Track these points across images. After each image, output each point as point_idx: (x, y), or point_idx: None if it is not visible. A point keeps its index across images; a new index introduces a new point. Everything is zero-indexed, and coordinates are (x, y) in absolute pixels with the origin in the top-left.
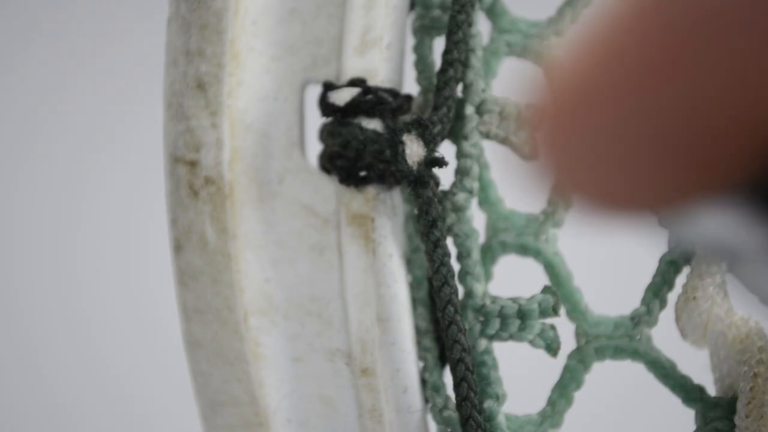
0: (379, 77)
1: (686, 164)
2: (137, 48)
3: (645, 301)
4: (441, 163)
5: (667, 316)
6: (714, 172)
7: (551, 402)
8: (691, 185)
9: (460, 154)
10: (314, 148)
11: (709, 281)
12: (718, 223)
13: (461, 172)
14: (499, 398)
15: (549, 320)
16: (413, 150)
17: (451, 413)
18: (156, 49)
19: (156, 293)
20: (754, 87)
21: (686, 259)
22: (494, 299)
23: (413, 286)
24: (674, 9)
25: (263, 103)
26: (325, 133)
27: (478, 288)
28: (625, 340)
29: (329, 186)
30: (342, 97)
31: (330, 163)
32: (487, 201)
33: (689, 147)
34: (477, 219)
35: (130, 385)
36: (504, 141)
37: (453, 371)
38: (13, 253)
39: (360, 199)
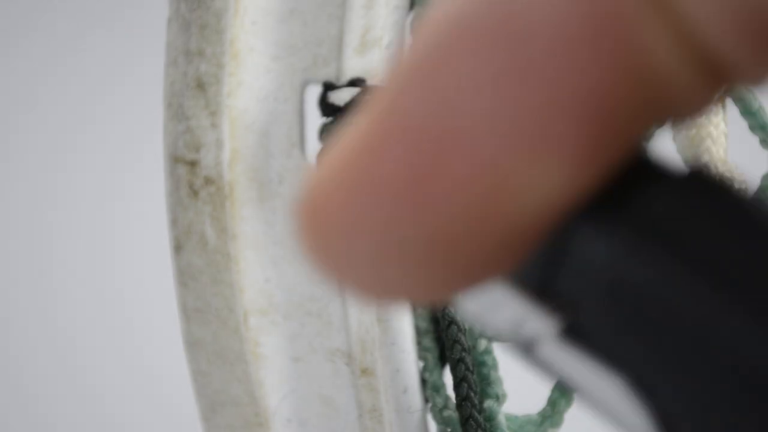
0: (379, 77)
1: (443, 263)
2: (137, 48)
3: None
4: None
5: None
6: (473, 269)
7: (551, 402)
8: (453, 279)
9: None
10: (314, 148)
11: None
12: (483, 301)
13: None
14: (499, 398)
15: None
16: None
17: (451, 413)
18: (156, 49)
19: (156, 293)
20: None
21: None
22: None
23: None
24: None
25: (263, 103)
26: (325, 133)
27: None
28: None
29: None
30: (342, 97)
31: None
32: None
33: (440, 250)
34: None
35: (130, 385)
36: None
37: (453, 371)
38: (12, 254)
39: None
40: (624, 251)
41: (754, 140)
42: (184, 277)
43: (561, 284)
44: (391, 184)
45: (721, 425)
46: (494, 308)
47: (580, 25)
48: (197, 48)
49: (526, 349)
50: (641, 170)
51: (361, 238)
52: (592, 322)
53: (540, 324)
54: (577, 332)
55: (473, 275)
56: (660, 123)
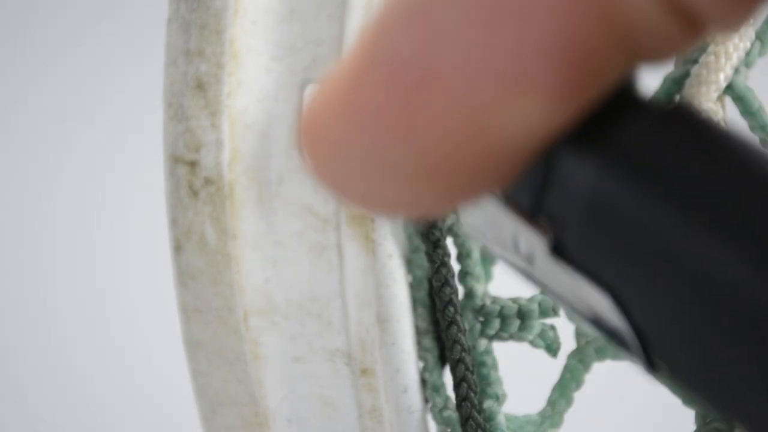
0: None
1: (436, 182)
2: (137, 48)
3: None
4: None
5: None
6: (460, 187)
7: (551, 402)
8: (442, 194)
9: None
10: None
11: None
12: (483, 217)
13: None
14: (498, 398)
15: (549, 320)
16: None
17: (451, 413)
18: (156, 49)
19: (156, 293)
20: (476, 123)
21: None
22: (494, 299)
23: (413, 287)
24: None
25: (263, 104)
26: None
27: (478, 288)
28: None
29: None
30: None
31: None
32: None
33: (427, 168)
34: None
35: (130, 385)
36: None
37: (453, 371)
38: (11, 254)
39: None
40: (603, 176)
41: None
42: (184, 277)
43: (548, 205)
44: (378, 110)
45: (687, 338)
46: (494, 225)
47: None
48: (197, 48)
49: (527, 264)
50: (625, 103)
51: (355, 156)
52: (576, 241)
53: (533, 240)
54: (565, 249)
55: (461, 192)
56: (636, 63)
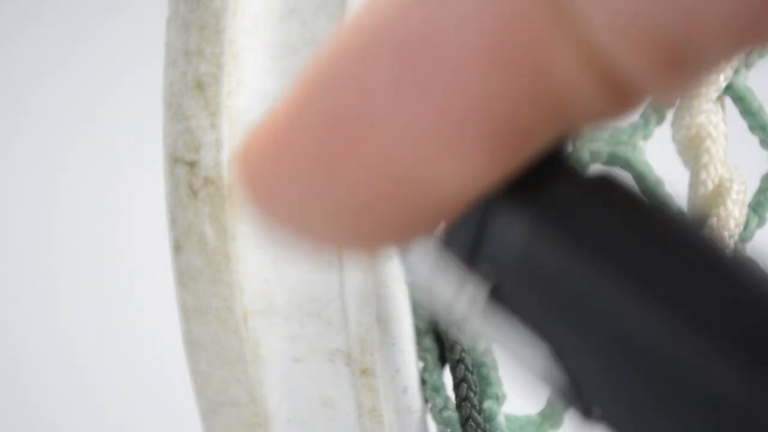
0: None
1: (374, 224)
2: (137, 48)
3: None
4: None
5: None
6: (392, 235)
7: (551, 402)
8: (377, 241)
9: None
10: None
11: None
12: (424, 261)
13: None
14: (499, 398)
15: None
16: None
17: (451, 413)
18: (155, 50)
19: (155, 293)
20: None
21: None
22: None
23: (413, 287)
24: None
25: (263, 104)
26: None
27: None
28: None
29: None
30: None
31: None
32: None
33: (356, 212)
34: None
35: (130, 385)
36: None
37: (453, 371)
38: (11, 254)
39: None
40: (531, 236)
41: (754, 140)
42: (184, 277)
43: (484, 255)
44: (308, 155)
45: (616, 389)
46: (435, 268)
47: (485, 40)
48: (196, 48)
49: (468, 309)
50: (555, 167)
51: (287, 197)
52: (511, 290)
53: (472, 286)
54: (502, 297)
55: (392, 237)
56: (567, 130)
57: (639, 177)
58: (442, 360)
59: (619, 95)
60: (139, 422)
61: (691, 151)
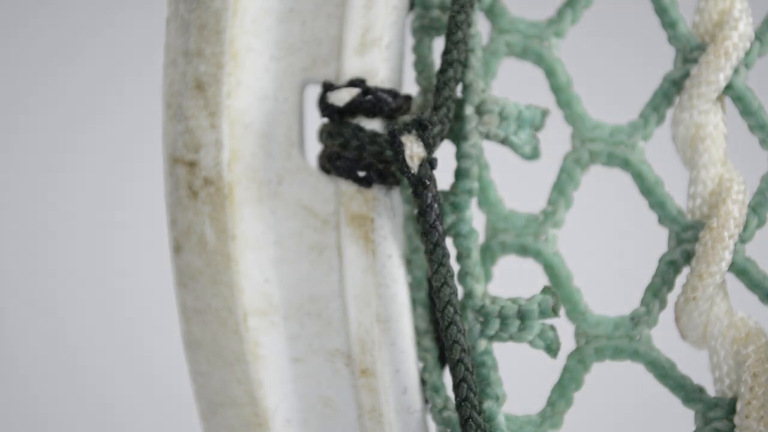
0: (379, 77)
1: None
2: (136, 48)
3: (644, 302)
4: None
5: (667, 316)
6: None
7: (551, 402)
8: None
9: (460, 155)
10: (314, 148)
11: (709, 281)
12: None
13: (461, 173)
14: (498, 399)
15: (549, 321)
16: (413, 151)
17: (451, 414)
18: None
19: (155, 293)
20: None
21: (686, 259)
22: (494, 300)
23: (413, 287)
24: None
25: (262, 104)
26: (325, 134)
27: (478, 288)
28: (625, 340)
29: (329, 186)
30: (341, 97)
31: (330, 163)
32: (486, 201)
33: None
34: (477, 219)
35: (130, 385)
36: (504, 141)
37: (453, 372)
38: (11, 254)
39: (359, 200)
40: None
41: (754, 140)
42: (184, 277)
43: None
44: None
45: None
46: None
47: None
48: (196, 48)
49: None
50: None
51: None
52: None
53: None
54: None
55: None
56: None
57: (639, 177)
58: (442, 360)
59: None
60: (140, 422)
61: (691, 151)
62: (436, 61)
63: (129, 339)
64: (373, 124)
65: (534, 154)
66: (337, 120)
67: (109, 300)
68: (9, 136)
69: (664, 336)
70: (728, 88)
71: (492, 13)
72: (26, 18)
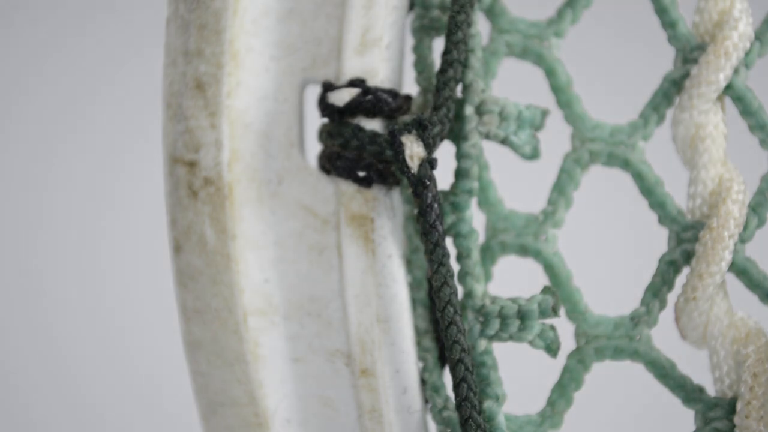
0: (379, 77)
1: None
2: (136, 48)
3: (645, 302)
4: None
5: (667, 316)
6: None
7: (551, 402)
8: None
9: (460, 155)
10: (314, 148)
11: (709, 282)
12: None
13: (461, 173)
14: (498, 398)
15: (549, 321)
16: (413, 151)
17: (451, 413)
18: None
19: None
20: None
21: (686, 259)
22: (494, 299)
23: (413, 287)
24: None
25: (262, 103)
26: (325, 134)
27: (478, 288)
28: (625, 340)
29: (329, 186)
30: (341, 97)
31: (330, 163)
32: (486, 201)
33: None
34: (476, 219)
35: (130, 385)
36: (504, 141)
37: (452, 372)
38: (11, 254)
39: (359, 200)
40: None
41: (754, 140)
42: (184, 277)
43: None
44: None
45: None
46: None
47: None
48: (196, 48)
49: None
50: None
51: None
52: None
53: None
54: None
55: None
56: None
57: (639, 177)
58: (442, 360)
59: None
60: (139, 422)
61: (691, 151)
62: (436, 61)
63: (129, 339)
64: (373, 124)
65: (534, 154)
66: (337, 120)
67: (109, 300)
68: (8, 136)
69: (664, 336)
70: (728, 88)
71: (492, 13)
72: (23, 15)
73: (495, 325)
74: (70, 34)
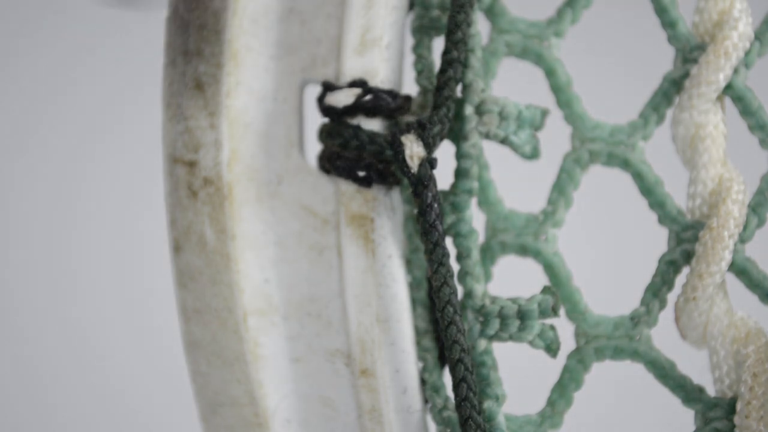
0: (379, 77)
1: None
2: (136, 48)
3: (644, 302)
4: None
5: (667, 316)
6: None
7: (551, 402)
8: None
9: (460, 155)
10: (314, 148)
11: (709, 281)
12: None
13: (461, 173)
14: (498, 399)
15: (548, 320)
16: (413, 150)
17: (451, 414)
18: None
19: (155, 294)
20: None
21: (686, 259)
22: (494, 299)
23: (413, 287)
24: None
25: (262, 104)
26: (325, 134)
27: (478, 288)
28: (625, 340)
29: (328, 186)
30: (341, 97)
31: (329, 163)
32: (486, 201)
33: None
34: (476, 219)
35: (130, 386)
36: (504, 141)
37: (452, 372)
38: (10, 254)
39: (359, 200)
40: None
41: (754, 140)
42: (184, 277)
43: None
44: None
45: None
46: None
47: None
48: (195, 48)
49: None
50: None
51: None
52: None
53: None
54: None
55: None
56: None
57: (639, 177)
58: (442, 360)
59: None
60: (139, 422)
61: (691, 151)
62: (436, 61)
63: (128, 339)
64: (373, 124)
65: (534, 154)
66: (337, 120)
67: (109, 300)
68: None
69: (664, 336)
70: (728, 88)
71: (492, 13)
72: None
73: (495, 325)
74: (70, 34)
